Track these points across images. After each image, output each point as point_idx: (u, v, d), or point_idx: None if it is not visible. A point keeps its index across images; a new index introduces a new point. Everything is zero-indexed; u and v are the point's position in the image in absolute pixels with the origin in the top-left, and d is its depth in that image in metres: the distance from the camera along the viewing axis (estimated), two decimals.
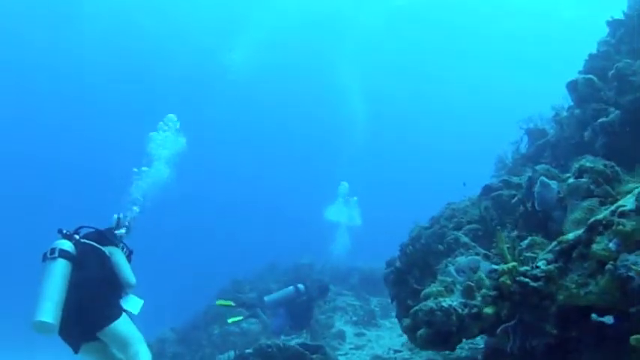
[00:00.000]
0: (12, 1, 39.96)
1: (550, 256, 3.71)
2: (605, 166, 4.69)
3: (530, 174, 6.33)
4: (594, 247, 3.39)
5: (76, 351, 5.76)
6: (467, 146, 43.66)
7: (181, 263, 37.57)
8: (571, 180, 4.63)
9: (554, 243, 3.77)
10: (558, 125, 8.28)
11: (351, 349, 12.13)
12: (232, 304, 12.51)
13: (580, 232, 3.60)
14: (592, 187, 4.38)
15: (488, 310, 3.85)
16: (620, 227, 3.34)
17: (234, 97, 40.76)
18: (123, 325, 5.83)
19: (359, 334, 13.08)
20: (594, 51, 8.02)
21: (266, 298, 12.12)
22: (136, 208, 7.46)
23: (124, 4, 41.42)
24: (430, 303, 4.60)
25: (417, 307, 4.83)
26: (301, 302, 12.01)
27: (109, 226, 6.88)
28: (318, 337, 12.61)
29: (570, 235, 3.64)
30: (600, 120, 6.08)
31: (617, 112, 6.18)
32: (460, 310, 4.58)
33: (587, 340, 3.62)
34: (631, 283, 3.20)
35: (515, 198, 6.63)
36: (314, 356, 7.87)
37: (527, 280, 3.64)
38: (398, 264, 6.80)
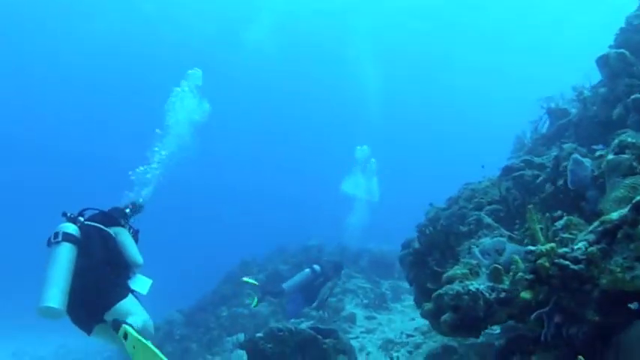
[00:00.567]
0: None
1: (592, 237, 3.43)
2: None
3: (556, 153, 6.06)
4: None
5: (88, 333, 5.73)
6: (480, 128, 43.44)
7: (190, 244, 37.48)
8: (611, 156, 4.31)
9: (595, 223, 3.49)
10: (582, 104, 7.96)
11: (362, 332, 11.93)
12: (256, 282, 12.42)
13: (625, 211, 3.31)
14: (634, 163, 4.09)
15: (526, 294, 3.56)
16: None
17: (248, 78, 40.42)
18: (128, 304, 5.74)
19: (370, 318, 12.88)
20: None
21: (285, 286, 11.98)
22: (148, 189, 7.34)
23: None
24: (456, 286, 4.33)
25: (440, 291, 4.57)
26: (319, 284, 12.13)
27: (115, 205, 6.77)
28: (329, 320, 12.43)
29: (614, 215, 3.35)
30: (634, 96, 5.75)
31: None
32: (488, 295, 4.31)
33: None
34: None
35: (540, 178, 6.34)
36: (327, 340, 7.63)
37: (567, 262, 3.35)
38: (417, 245, 6.52)
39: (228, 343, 13.24)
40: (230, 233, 36.95)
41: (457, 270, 4.71)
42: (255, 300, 11.90)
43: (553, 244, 3.49)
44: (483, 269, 4.75)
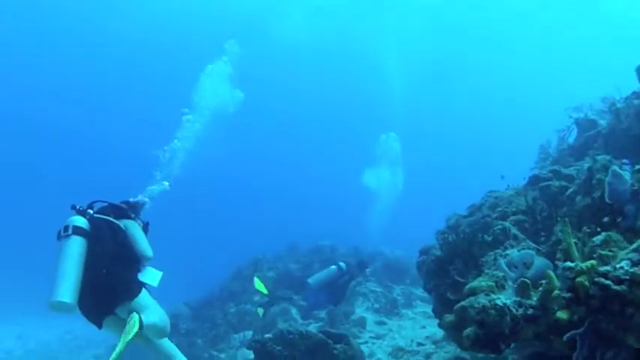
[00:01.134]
0: None
1: (635, 256, 3.18)
2: None
3: (589, 164, 5.78)
4: None
5: (99, 327, 5.71)
6: (501, 135, 43.08)
7: (202, 238, 37.42)
8: None
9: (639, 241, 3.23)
10: (614, 115, 7.68)
11: (371, 337, 11.70)
12: (266, 292, 12.24)
13: None
14: None
15: (563, 314, 3.31)
16: None
17: (268, 73, 40.18)
18: (143, 300, 5.80)
19: (380, 323, 12.64)
20: None
21: (310, 281, 11.93)
22: (165, 183, 7.32)
23: None
24: (482, 299, 4.08)
25: (464, 303, 4.31)
26: (344, 282, 12.09)
27: (126, 199, 6.73)
28: (338, 324, 12.21)
29: None
30: None
31: None
32: (514, 310, 4.06)
33: None
34: None
35: (570, 190, 6.07)
36: (337, 346, 7.39)
37: (608, 282, 3.10)
38: (438, 252, 6.26)
39: (235, 340, 13.09)
40: (243, 229, 36.91)
41: (482, 282, 4.45)
42: (262, 311, 11.85)
43: (594, 262, 3.24)
44: (509, 282, 4.50)
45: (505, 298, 4.10)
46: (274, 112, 45.43)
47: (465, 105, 46.72)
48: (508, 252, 5.08)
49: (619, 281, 3.10)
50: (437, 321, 12.46)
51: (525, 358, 5.17)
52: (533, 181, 7.12)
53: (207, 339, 13.70)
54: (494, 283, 4.38)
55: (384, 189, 17.20)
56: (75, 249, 5.55)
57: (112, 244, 5.84)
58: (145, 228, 6.50)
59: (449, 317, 4.59)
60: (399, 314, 13.28)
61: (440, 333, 11.03)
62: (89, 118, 46.35)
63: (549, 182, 6.74)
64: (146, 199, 6.94)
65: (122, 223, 6.16)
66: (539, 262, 4.72)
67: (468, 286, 4.79)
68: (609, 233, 3.81)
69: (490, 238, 5.62)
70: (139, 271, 6.05)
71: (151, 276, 6.06)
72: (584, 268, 3.19)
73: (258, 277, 12.45)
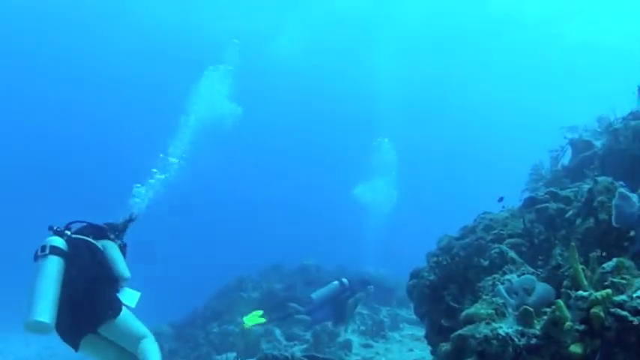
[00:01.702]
0: None
1: None
2: None
3: (590, 186, 5.56)
4: None
5: (76, 349, 5.60)
6: (491, 155, 43.06)
7: (186, 256, 36.95)
8: None
9: None
10: (612, 136, 7.48)
11: None
12: (264, 320, 12.07)
13: None
14: None
15: (576, 348, 3.04)
16: None
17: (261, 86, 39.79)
18: (126, 319, 5.69)
19: (366, 346, 12.37)
20: None
21: (313, 296, 12.11)
22: (138, 200, 7.17)
23: None
24: (484, 329, 3.81)
25: (463, 332, 4.05)
26: (345, 297, 12.13)
27: (110, 221, 6.60)
28: (323, 346, 11.91)
29: None
30: None
31: None
32: (517, 340, 3.80)
33: None
34: None
35: (570, 212, 5.84)
36: None
37: (625, 313, 2.85)
38: (432, 277, 5.98)
39: None
40: (229, 246, 36.47)
41: (480, 309, 4.18)
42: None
43: (609, 291, 2.98)
44: (510, 310, 4.24)
45: (507, 327, 3.84)
46: (265, 128, 44.95)
47: (456, 121, 46.59)
48: (507, 277, 4.82)
49: (636, 312, 2.85)
50: (424, 344, 12.30)
51: None
52: (529, 203, 6.89)
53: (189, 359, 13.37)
54: (493, 311, 4.12)
55: (376, 204, 17.06)
56: (52, 268, 5.42)
57: (90, 264, 5.72)
58: (123, 249, 6.36)
59: (445, 346, 4.32)
60: (385, 337, 13.01)
61: (428, 357, 10.78)
62: (82, 124, 45.74)
63: (546, 204, 6.52)
64: (130, 218, 6.76)
65: (100, 243, 6.04)
66: (541, 288, 4.47)
67: (464, 313, 4.53)
68: (620, 259, 3.56)
69: (487, 263, 5.37)
70: (117, 291, 5.90)
71: (128, 297, 5.91)
72: (598, 297, 2.94)
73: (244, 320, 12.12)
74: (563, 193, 6.70)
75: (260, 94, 36.81)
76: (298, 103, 45.34)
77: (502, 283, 4.64)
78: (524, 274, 4.90)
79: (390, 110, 34.28)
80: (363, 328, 13.25)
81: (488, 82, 43.22)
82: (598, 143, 8.41)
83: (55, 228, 5.91)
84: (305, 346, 12.42)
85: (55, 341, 5.75)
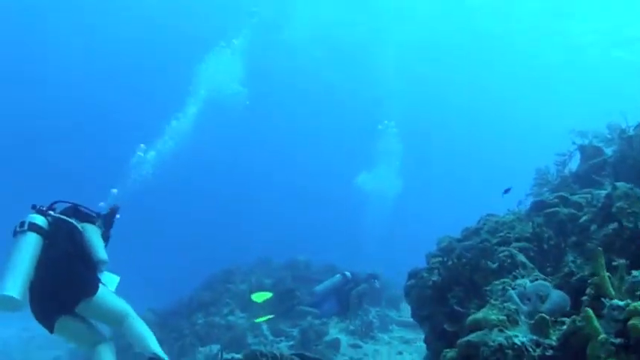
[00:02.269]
0: None
1: None
2: None
3: (608, 191, 5.25)
4: None
5: (50, 330, 5.37)
6: (491, 156, 42.80)
7: (176, 245, 36.58)
8: None
9: None
10: (626, 143, 7.19)
11: None
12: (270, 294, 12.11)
13: None
14: None
15: None
16: None
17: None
18: (104, 297, 5.52)
19: (354, 346, 12.11)
20: None
21: (316, 288, 12.21)
22: (114, 190, 7.16)
23: None
24: (498, 337, 3.49)
25: (472, 338, 3.72)
26: (348, 289, 12.06)
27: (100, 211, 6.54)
28: (310, 344, 11.61)
29: None
30: None
31: None
32: (532, 351, 3.48)
33: None
34: None
35: (584, 218, 5.53)
36: None
37: None
38: (435, 277, 5.64)
39: (201, 354, 12.41)
40: (220, 238, 36.03)
41: (491, 314, 3.86)
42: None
43: None
44: (522, 317, 3.93)
45: (523, 336, 3.52)
46: (270, 109, 44.17)
47: (462, 126, 46.17)
48: (518, 282, 4.50)
49: None
50: (413, 348, 12.05)
51: None
52: (538, 206, 6.59)
53: (172, 350, 13.00)
54: (505, 317, 3.80)
55: (379, 194, 16.84)
56: (28, 245, 5.32)
57: (68, 244, 5.59)
58: (105, 236, 6.25)
59: (450, 353, 3.99)
60: (374, 338, 12.70)
61: None
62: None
63: (556, 209, 6.21)
64: (113, 211, 6.63)
65: (81, 225, 5.92)
66: (556, 295, 4.16)
67: (471, 318, 4.22)
68: None
69: (495, 265, 5.04)
70: (97, 271, 5.73)
71: (107, 281, 5.75)
72: (638, 308, 2.62)
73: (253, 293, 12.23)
74: (574, 198, 6.41)
75: (267, 77, 36.18)
76: (304, 88, 44.53)
77: (513, 288, 4.33)
78: (537, 279, 4.58)
79: (397, 97, 33.89)
80: (352, 327, 12.94)
81: (497, 78, 42.61)
82: (608, 150, 8.15)
83: (37, 207, 5.81)
84: (292, 342, 12.14)
85: (36, 323, 5.54)
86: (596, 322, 2.86)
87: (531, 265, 5.03)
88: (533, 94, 42.12)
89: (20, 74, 40.53)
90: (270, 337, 12.64)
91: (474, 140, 46.07)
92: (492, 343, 3.46)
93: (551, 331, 3.64)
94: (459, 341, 3.89)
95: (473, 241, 6.58)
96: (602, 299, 3.07)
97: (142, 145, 7.51)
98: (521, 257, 5.12)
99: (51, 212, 5.84)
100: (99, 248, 5.75)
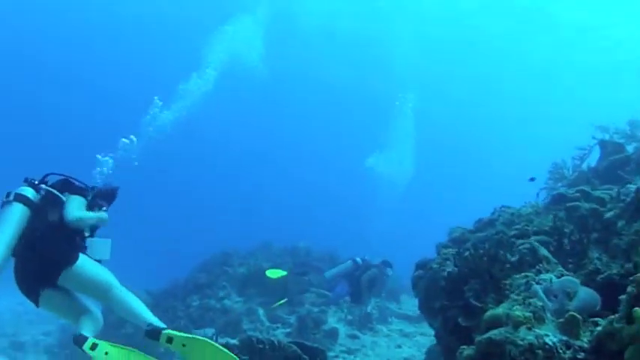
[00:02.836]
0: None
1: None
2: None
3: (638, 185, 4.92)
4: None
5: (36, 304, 5.31)
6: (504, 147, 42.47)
7: (175, 227, 36.28)
8: None
9: None
10: None
11: (342, 352, 10.89)
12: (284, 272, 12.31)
13: None
14: None
15: None
16: None
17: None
18: (85, 267, 5.29)
19: (352, 337, 11.79)
20: None
21: (326, 274, 12.33)
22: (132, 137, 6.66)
23: None
24: (528, 335, 3.14)
25: (494, 336, 3.37)
26: (359, 274, 12.04)
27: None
28: (307, 332, 11.30)
29: None
30: None
31: None
32: (562, 352, 3.15)
33: None
34: None
35: (610, 213, 5.19)
36: None
37: None
38: (450, 268, 5.28)
39: None
40: (221, 221, 35.70)
41: (517, 311, 3.52)
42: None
43: None
44: (548, 315, 3.59)
45: (554, 336, 3.18)
46: (278, 96, 43.73)
47: (474, 122, 45.84)
48: (542, 276, 4.16)
49: None
50: (412, 341, 11.74)
51: None
52: (558, 199, 6.26)
53: None
54: (531, 314, 3.45)
55: (390, 179, 16.60)
56: (13, 215, 5.23)
57: (53, 216, 5.40)
58: (96, 208, 5.83)
59: (467, 351, 3.64)
60: (373, 329, 12.39)
61: (419, 356, 10.18)
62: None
63: (577, 203, 5.87)
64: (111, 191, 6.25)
65: (65, 196, 5.63)
66: (584, 292, 3.83)
67: (490, 314, 3.88)
68: None
69: (515, 259, 4.69)
70: (81, 239, 5.53)
71: (99, 249, 5.54)
72: None
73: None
74: (596, 193, 6.07)
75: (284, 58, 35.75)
76: (319, 65, 44.04)
77: (538, 283, 3.99)
78: (562, 275, 4.24)
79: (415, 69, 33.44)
80: (350, 317, 12.63)
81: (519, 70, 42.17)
82: (630, 147, 7.84)
83: (29, 179, 5.66)
84: (289, 330, 11.84)
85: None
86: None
87: (554, 260, 4.68)
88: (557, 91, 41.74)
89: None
90: (267, 324, 12.34)
91: (484, 136, 45.77)
92: (522, 342, 3.12)
93: (582, 332, 3.31)
94: (479, 338, 3.55)
95: (487, 233, 6.26)
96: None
97: (156, 98, 7.09)
98: (544, 251, 4.78)
99: (42, 185, 5.66)
100: (69, 209, 5.45)
